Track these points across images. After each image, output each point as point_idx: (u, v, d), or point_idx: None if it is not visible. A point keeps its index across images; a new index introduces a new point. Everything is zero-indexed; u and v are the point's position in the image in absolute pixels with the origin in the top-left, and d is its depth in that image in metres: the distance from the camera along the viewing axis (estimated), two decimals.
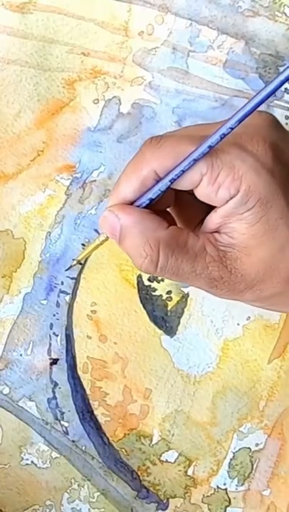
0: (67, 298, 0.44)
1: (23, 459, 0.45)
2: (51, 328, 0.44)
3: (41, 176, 0.44)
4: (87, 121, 0.44)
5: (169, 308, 0.45)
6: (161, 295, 0.45)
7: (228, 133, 0.34)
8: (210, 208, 0.36)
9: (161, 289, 0.45)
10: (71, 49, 0.44)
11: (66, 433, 0.44)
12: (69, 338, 0.44)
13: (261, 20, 0.44)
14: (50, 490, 0.45)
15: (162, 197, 0.36)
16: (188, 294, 0.45)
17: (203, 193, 0.35)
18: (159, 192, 0.35)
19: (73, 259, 0.41)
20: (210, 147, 0.34)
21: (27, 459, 0.45)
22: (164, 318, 0.45)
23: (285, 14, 0.44)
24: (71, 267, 0.42)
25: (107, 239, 0.38)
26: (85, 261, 0.45)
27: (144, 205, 0.36)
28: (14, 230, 0.45)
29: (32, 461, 0.45)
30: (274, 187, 0.34)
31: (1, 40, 0.44)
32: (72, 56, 0.44)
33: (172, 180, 0.35)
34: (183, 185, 0.35)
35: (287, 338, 0.45)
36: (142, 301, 0.45)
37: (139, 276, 0.45)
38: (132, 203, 0.36)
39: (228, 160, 0.34)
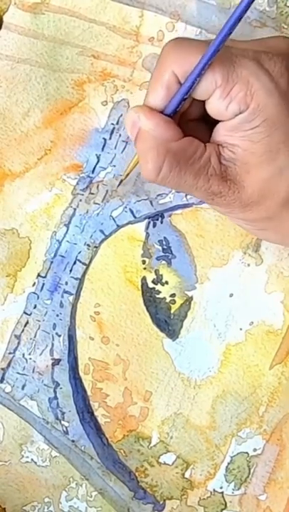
0: (71, 298, 0.45)
1: (23, 456, 0.45)
2: (54, 329, 0.45)
3: (48, 175, 0.45)
4: (96, 122, 0.44)
5: (172, 311, 0.45)
6: (164, 298, 0.45)
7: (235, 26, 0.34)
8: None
9: (165, 291, 0.45)
10: (81, 51, 0.44)
11: (66, 433, 0.45)
12: (71, 339, 0.45)
13: (268, 31, 0.43)
14: (48, 487, 0.45)
15: (191, 107, 0.37)
16: (192, 298, 0.45)
17: (214, 106, 0.35)
18: (182, 98, 0.35)
19: (123, 175, 0.41)
20: (222, 41, 0.34)
21: (27, 457, 0.45)
22: (167, 321, 0.45)
23: None
24: (122, 181, 0.42)
25: None
26: (90, 262, 0.45)
27: (170, 111, 0.36)
28: (20, 229, 0.45)
29: (32, 459, 0.45)
30: (283, 111, 0.35)
31: (12, 39, 0.44)
32: (82, 58, 0.44)
33: (192, 83, 0.35)
34: (199, 94, 0.35)
35: None
36: (145, 304, 0.45)
37: (144, 279, 0.45)
38: (162, 112, 0.36)
39: (244, 75, 0.35)
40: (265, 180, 0.36)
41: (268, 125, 0.35)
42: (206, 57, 0.34)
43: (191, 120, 0.38)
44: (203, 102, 0.36)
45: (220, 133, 0.36)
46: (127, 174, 0.40)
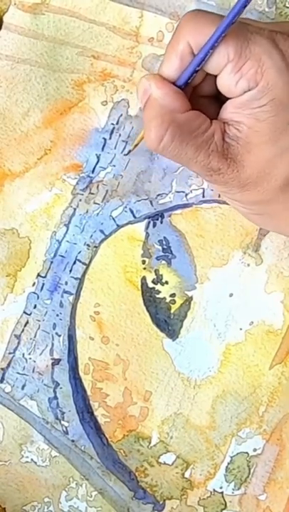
0: (71, 298, 0.45)
1: (23, 456, 0.45)
2: (54, 328, 0.45)
3: (48, 175, 0.45)
4: (96, 122, 0.44)
5: (172, 311, 0.45)
6: (164, 298, 0.45)
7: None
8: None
9: (165, 291, 0.45)
10: (81, 51, 0.44)
11: (66, 433, 0.45)
12: (71, 339, 0.45)
13: None
14: (48, 487, 0.45)
15: (204, 83, 0.37)
16: (192, 298, 0.45)
17: (224, 81, 0.36)
18: (194, 69, 0.36)
19: (131, 146, 0.41)
20: (235, 16, 0.34)
21: (27, 457, 0.45)
22: (167, 321, 0.45)
23: None
24: (130, 152, 0.42)
25: None
26: (90, 262, 0.45)
27: (181, 83, 0.36)
28: (20, 229, 0.45)
29: (32, 459, 0.45)
30: None
31: (12, 39, 0.44)
32: (82, 58, 0.44)
33: (205, 55, 0.35)
34: (211, 67, 0.36)
35: None
36: (145, 304, 0.45)
37: (144, 279, 0.45)
38: (174, 83, 0.36)
39: (257, 52, 0.35)
40: (265, 160, 0.36)
41: (275, 104, 0.35)
42: (220, 29, 0.34)
43: (203, 96, 0.38)
44: (216, 80, 0.37)
45: (228, 110, 0.37)
46: (136, 145, 0.40)
